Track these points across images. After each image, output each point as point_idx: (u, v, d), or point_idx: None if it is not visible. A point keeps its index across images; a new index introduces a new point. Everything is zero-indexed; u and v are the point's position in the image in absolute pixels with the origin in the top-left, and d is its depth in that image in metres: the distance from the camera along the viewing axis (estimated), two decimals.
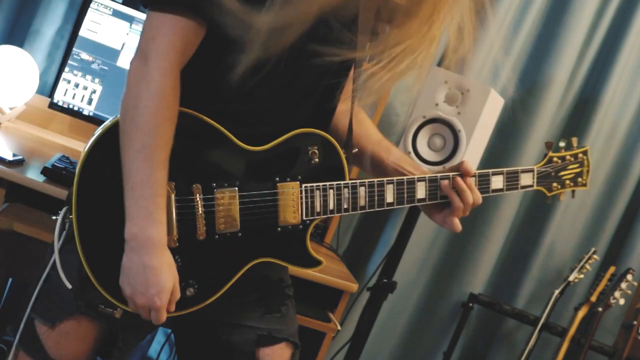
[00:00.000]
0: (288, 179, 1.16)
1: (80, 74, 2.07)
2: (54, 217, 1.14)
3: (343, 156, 1.20)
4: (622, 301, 2.47)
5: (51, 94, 2.16)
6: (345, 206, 1.20)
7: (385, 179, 1.23)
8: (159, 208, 1.04)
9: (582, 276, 2.51)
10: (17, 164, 1.66)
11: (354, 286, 1.89)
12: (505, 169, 1.30)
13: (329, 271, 1.90)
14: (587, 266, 2.51)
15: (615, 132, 2.67)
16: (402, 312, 2.66)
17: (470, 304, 2.56)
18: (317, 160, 1.18)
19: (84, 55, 2.07)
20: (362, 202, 1.21)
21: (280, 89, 1.14)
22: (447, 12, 1.07)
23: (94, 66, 2.07)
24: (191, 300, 1.14)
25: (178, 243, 1.10)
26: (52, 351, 1.16)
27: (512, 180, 1.30)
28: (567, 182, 1.34)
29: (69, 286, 1.10)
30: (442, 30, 1.09)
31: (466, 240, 2.63)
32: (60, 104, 2.07)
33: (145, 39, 1.05)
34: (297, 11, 1.00)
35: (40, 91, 2.19)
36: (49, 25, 2.18)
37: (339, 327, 1.95)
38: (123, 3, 2.12)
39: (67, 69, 2.06)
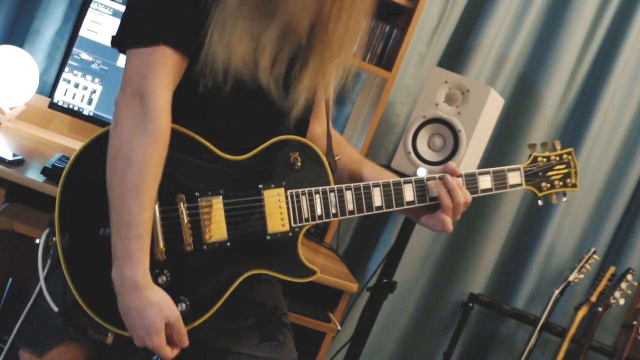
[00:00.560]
0: (272, 186, 1.16)
1: (80, 74, 2.07)
2: (37, 241, 1.11)
3: (325, 160, 1.20)
4: (622, 301, 2.47)
5: (51, 94, 2.16)
6: (334, 211, 1.20)
7: (371, 182, 1.23)
8: (141, 249, 1.02)
9: (582, 276, 2.51)
10: (17, 164, 1.66)
11: (354, 286, 1.89)
12: (492, 169, 1.30)
13: (329, 271, 1.90)
14: (587, 266, 2.51)
15: (615, 132, 2.67)
16: (402, 312, 2.66)
17: (470, 304, 2.56)
18: (299, 165, 1.18)
19: (84, 55, 2.07)
20: (350, 206, 1.21)
21: (252, 109, 1.16)
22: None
23: (94, 66, 2.07)
24: (184, 317, 1.10)
25: (165, 256, 1.08)
26: None
27: (499, 180, 1.30)
28: (556, 182, 1.36)
29: (56, 309, 1.08)
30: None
31: (466, 240, 2.63)
32: (60, 104, 2.07)
33: (136, 76, 1.04)
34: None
35: (40, 91, 2.19)
36: (49, 25, 2.18)
37: (339, 327, 1.95)
38: (123, 3, 2.12)
39: (67, 69, 2.06)
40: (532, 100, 2.56)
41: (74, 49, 2.06)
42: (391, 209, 1.24)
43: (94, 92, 2.08)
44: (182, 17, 1.05)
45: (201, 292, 1.12)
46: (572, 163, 1.37)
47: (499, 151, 2.57)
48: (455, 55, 2.52)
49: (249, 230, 1.14)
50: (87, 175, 1.08)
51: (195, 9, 1.05)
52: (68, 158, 1.78)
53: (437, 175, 1.25)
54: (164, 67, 1.04)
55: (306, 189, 1.18)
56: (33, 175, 1.63)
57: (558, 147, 1.37)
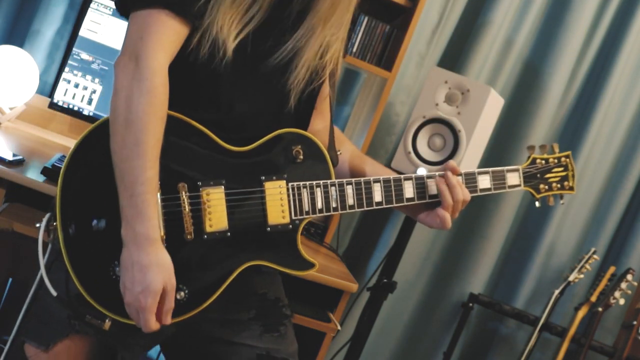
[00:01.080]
0: (274, 178, 1.17)
1: (80, 74, 2.07)
2: (37, 225, 1.11)
3: (327, 154, 1.21)
4: (622, 301, 2.47)
5: (51, 94, 2.16)
6: (334, 205, 1.20)
7: (372, 177, 1.24)
8: (148, 205, 1.03)
9: (582, 276, 2.51)
10: (17, 164, 1.66)
11: (354, 286, 1.89)
12: (491, 169, 1.31)
13: (329, 271, 1.90)
14: (587, 266, 2.51)
15: (616, 132, 2.67)
16: (402, 312, 2.66)
17: (470, 304, 2.56)
18: (301, 158, 1.19)
19: (84, 55, 2.07)
20: (350, 201, 1.21)
21: (254, 96, 1.17)
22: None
23: (94, 66, 2.08)
24: (183, 306, 1.10)
25: (166, 243, 1.08)
26: None
27: (498, 180, 1.31)
28: (554, 184, 1.37)
29: (54, 293, 1.08)
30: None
31: (466, 240, 2.63)
32: (60, 104, 2.07)
33: (133, 39, 1.06)
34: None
35: (40, 91, 2.19)
36: (49, 25, 2.18)
37: (339, 327, 1.95)
38: None
39: (67, 69, 2.06)
40: (532, 100, 2.56)
41: (74, 49, 2.06)
42: (391, 205, 1.24)
43: (94, 92, 2.08)
44: None
45: (200, 281, 1.13)
46: (570, 166, 1.38)
47: (498, 151, 2.57)
48: (455, 55, 2.52)
49: (249, 221, 1.15)
50: (90, 161, 1.08)
51: None
52: None
53: (437, 173, 1.25)
54: (160, 29, 1.05)
55: (307, 182, 1.18)
56: (33, 175, 1.63)
57: (556, 149, 1.38)
